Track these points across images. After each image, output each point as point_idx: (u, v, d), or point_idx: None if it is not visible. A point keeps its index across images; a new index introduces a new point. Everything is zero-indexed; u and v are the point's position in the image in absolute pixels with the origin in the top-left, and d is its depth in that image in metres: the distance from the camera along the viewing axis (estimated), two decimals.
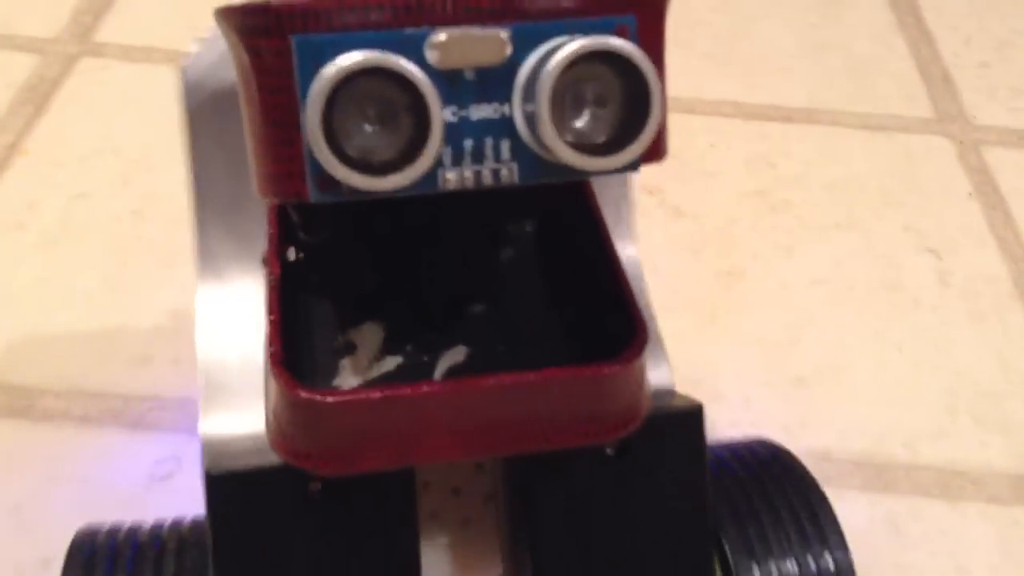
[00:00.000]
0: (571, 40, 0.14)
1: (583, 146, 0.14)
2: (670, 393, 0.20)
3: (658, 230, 0.35)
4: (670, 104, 0.15)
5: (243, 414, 0.19)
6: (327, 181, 0.14)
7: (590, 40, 0.14)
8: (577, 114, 0.14)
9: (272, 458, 0.17)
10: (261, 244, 0.20)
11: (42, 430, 0.27)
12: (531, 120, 0.14)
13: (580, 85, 0.14)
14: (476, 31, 0.14)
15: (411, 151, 0.14)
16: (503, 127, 0.14)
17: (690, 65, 0.42)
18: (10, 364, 0.28)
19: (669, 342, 0.21)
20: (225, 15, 0.14)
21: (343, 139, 0.14)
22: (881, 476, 0.28)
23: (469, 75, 0.14)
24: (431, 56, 0.14)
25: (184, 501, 0.24)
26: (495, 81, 0.14)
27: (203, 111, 0.20)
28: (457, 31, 0.14)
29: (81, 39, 0.40)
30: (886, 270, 0.34)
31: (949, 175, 0.38)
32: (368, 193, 0.14)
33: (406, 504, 0.18)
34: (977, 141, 0.39)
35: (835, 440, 0.29)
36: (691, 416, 0.19)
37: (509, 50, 0.14)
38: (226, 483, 0.17)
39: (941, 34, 0.45)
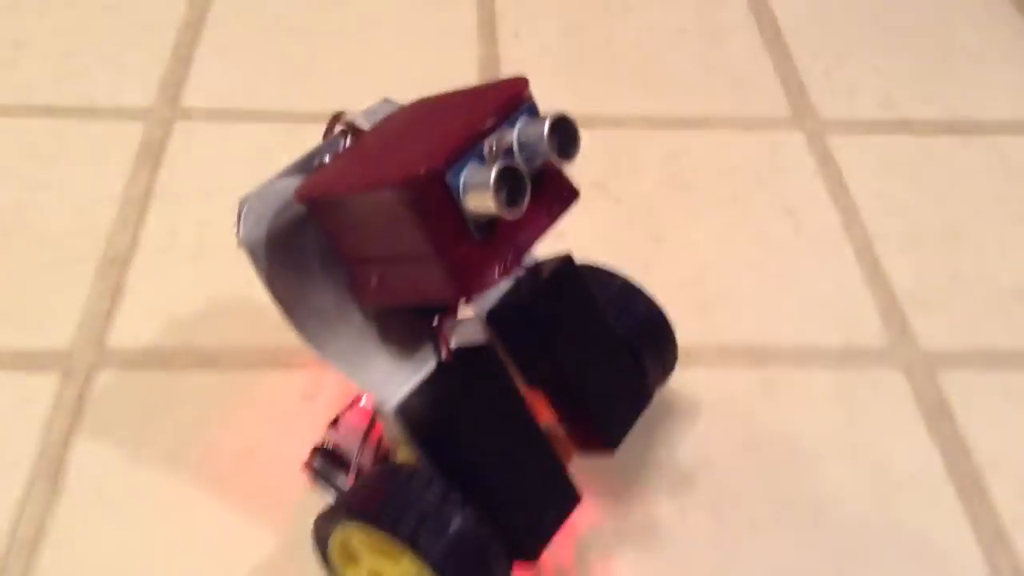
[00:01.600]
0: None
1: None
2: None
3: (602, 212, 0.51)
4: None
5: None
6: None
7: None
8: None
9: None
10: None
11: (223, 374, 0.42)
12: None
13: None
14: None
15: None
16: None
17: (616, 90, 0.58)
18: (196, 332, 0.43)
19: None
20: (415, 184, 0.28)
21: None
22: (756, 357, 0.44)
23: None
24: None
25: (323, 410, 0.40)
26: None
27: (273, 256, 0.32)
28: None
29: (172, 105, 0.55)
30: (759, 227, 0.50)
31: (802, 159, 0.54)
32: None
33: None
34: (822, 132, 0.56)
35: (729, 338, 0.45)
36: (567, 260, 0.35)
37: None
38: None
39: (796, 50, 0.61)
